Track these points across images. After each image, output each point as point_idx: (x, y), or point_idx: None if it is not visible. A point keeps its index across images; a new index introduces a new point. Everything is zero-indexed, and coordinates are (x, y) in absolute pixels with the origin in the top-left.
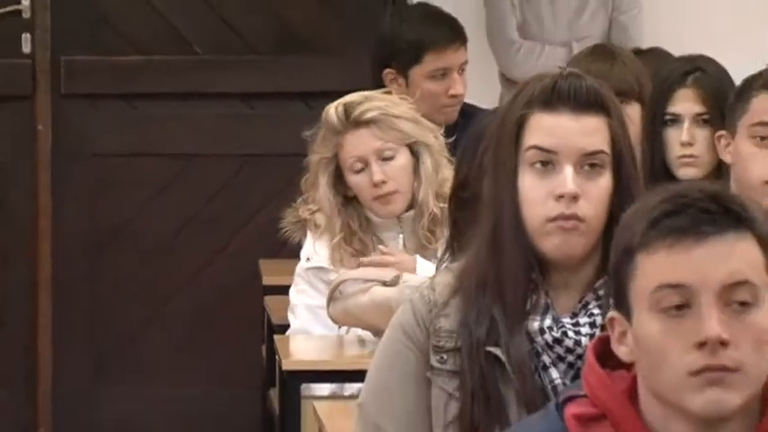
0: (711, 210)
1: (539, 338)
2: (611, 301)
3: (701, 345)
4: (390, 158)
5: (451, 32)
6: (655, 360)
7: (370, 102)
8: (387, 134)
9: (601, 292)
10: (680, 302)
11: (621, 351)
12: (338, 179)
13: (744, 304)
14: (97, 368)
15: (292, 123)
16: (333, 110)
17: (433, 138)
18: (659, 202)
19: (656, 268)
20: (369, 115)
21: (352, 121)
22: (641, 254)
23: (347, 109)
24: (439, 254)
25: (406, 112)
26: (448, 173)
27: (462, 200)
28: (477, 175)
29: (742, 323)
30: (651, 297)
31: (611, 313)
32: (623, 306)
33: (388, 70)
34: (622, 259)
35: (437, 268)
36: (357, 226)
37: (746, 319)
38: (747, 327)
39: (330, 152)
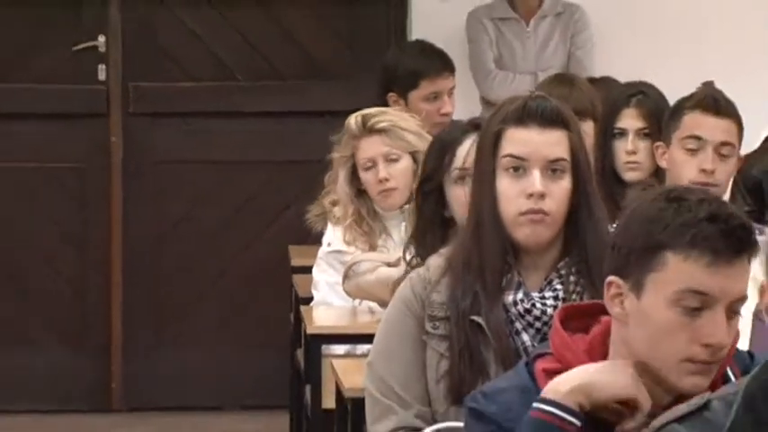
0: (741, 237)
1: (512, 309)
2: (611, 266)
3: (708, 345)
4: (395, 161)
5: (442, 63)
6: (660, 339)
7: (383, 115)
8: (394, 142)
9: (563, 272)
10: (698, 306)
11: (615, 310)
12: (354, 175)
13: (736, 314)
14: (158, 333)
15: (313, 136)
16: (353, 119)
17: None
18: (699, 220)
19: (688, 275)
20: (381, 125)
21: (368, 129)
22: (676, 256)
23: (364, 119)
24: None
25: (412, 126)
26: None
27: (426, 192)
28: (438, 172)
29: (733, 330)
30: (675, 294)
31: (611, 277)
32: (631, 278)
33: (390, 94)
34: (648, 248)
35: (406, 243)
36: (366, 213)
37: (734, 326)
38: (733, 332)
39: (348, 152)
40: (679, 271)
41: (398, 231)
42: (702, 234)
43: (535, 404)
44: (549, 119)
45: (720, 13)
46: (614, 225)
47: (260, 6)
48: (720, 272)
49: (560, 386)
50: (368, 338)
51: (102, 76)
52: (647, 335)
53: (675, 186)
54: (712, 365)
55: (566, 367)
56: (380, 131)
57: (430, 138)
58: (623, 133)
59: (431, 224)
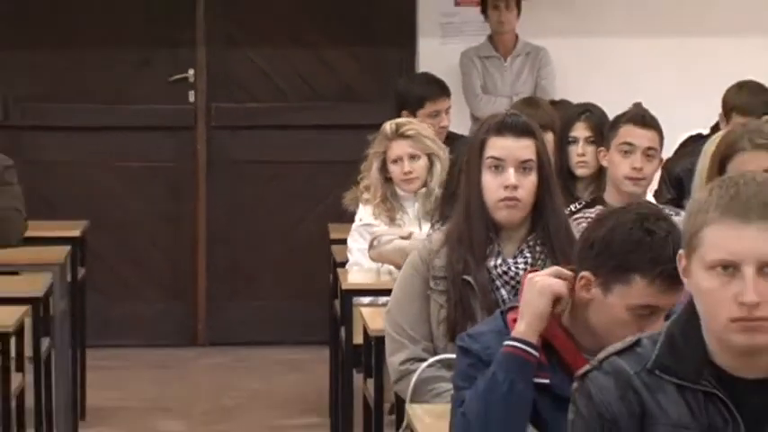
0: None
1: (493, 271)
2: (586, 262)
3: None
4: (416, 159)
5: (441, 89)
6: (612, 329)
7: (410, 125)
8: (416, 144)
9: (531, 244)
10: (647, 314)
11: (581, 294)
12: (383, 166)
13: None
14: (232, 286)
15: (345, 144)
16: (389, 125)
17: (442, 153)
18: (665, 258)
19: (648, 294)
20: (408, 132)
21: (398, 134)
22: (642, 281)
23: (397, 126)
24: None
25: (430, 134)
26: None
27: (448, 189)
28: (455, 177)
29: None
30: (634, 305)
31: (585, 273)
32: (601, 278)
33: (404, 112)
34: (623, 267)
35: (432, 219)
36: (389, 195)
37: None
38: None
39: (382, 149)
40: (642, 290)
41: (412, 210)
42: (666, 271)
43: (506, 342)
44: (521, 130)
45: (645, 55)
46: (568, 209)
47: (307, 47)
48: (668, 293)
49: (520, 327)
50: (387, 292)
51: (191, 98)
52: (603, 322)
53: (648, 211)
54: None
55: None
56: (407, 137)
57: (442, 145)
58: (575, 141)
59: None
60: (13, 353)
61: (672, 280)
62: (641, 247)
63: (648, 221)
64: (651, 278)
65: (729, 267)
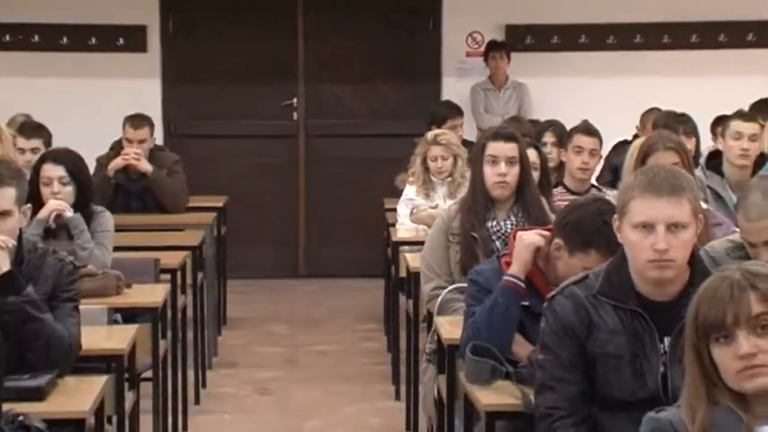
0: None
1: (491, 230)
2: (560, 232)
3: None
4: (446, 159)
5: (457, 111)
6: (567, 275)
7: (444, 135)
8: (447, 149)
9: (515, 211)
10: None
11: (554, 253)
12: (424, 161)
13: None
14: (321, 236)
15: (394, 146)
16: (429, 135)
17: (463, 153)
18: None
19: (596, 263)
20: (441, 140)
21: (435, 141)
22: (597, 254)
23: (435, 135)
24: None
25: (456, 141)
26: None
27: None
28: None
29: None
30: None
31: (558, 240)
32: (568, 246)
33: (432, 126)
34: (585, 243)
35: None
36: (427, 180)
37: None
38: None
39: (423, 151)
40: (595, 259)
41: (441, 191)
42: (612, 247)
43: (504, 277)
44: (509, 137)
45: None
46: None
47: (368, 83)
48: (607, 258)
49: (513, 268)
50: (421, 243)
51: (295, 117)
52: (564, 271)
53: (606, 207)
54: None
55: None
56: (441, 144)
57: (464, 148)
58: (545, 144)
59: None
60: (179, 282)
61: (612, 252)
62: (600, 232)
63: (606, 215)
64: (603, 252)
65: (647, 226)
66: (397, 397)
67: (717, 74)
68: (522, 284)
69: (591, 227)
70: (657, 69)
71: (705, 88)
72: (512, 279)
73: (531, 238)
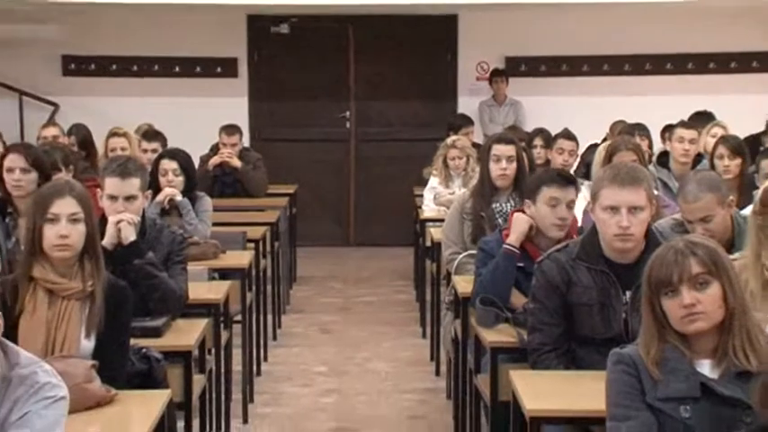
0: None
1: (495, 210)
2: (528, 194)
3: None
4: (461, 158)
5: (469, 121)
6: (539, 222)
7: (460, 140)
8: (461, 151)
9: (513, 195)
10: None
11: (528, 210)
12: (444, 159)
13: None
14: (366, 212)
15: (422, 147)
16: (449, 140)
17: (474, 154)
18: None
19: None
20: (458, 144)
21: (453, 146)
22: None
23: (453, 141)
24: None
25: (469, 145)
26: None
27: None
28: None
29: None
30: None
31: (527, 201)
32: (532, 200)
33: (450, 133)
34: (537, 188)
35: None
36: (447, 174)
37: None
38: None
39: (444, 152)
40: (547, 192)
41: (458, 182)
42: (556, 180)
43: (504, 245)
44: (508, 141)
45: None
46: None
47: (403, 100)
48: (562, 190)
49: (511, 239)
50: (442, 221)
51: (348, 126)
52: (540, 218)
53: (555, 171)
54: (565, 227)
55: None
56: (458, 147)
57: (474, 149)
58: (535, 147)
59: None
60: (261, 249)
61: (560, 184)
62: (543, 177)
63: (552, 173)
64: (551, 186)
65: (614, 209)
66: (424, 336)
67: (664, 94)
68: (518, 251)
69: (537, 179)
70: (621, 91)
71: (656, 105)
72: (510, 247)
73: (524, 217)
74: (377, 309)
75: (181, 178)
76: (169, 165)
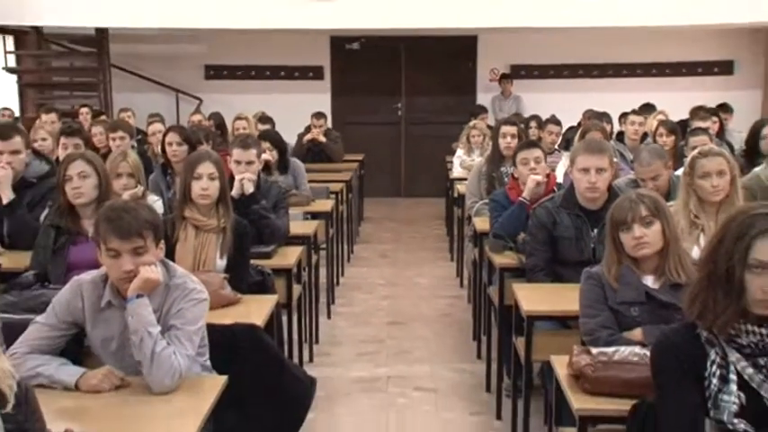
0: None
1: (503, 172)
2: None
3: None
4: (479, 136)
5: (484, 110)
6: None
7: (478, 123)
8: (480, 131)
9: (515, 163)
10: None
11: (520, 174)
12: (467, 137)
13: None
14: (412, 177)
15: (449, 129)
16: (470, 123)
17: (489, 134)
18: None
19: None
20: (477, 127)
21: (474, 127)
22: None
23: (474, 124)
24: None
25: (484, 126)
26: None
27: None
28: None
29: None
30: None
31: (514, 169)
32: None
33: (472, 119)
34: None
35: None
36: (469, 147)
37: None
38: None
39: (467, 132)
40: (525, 157)
41: (476, 152)
42: (524, 145)
43: (519, 198)
44: (512, 123)
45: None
46: None
47: (434, 95)
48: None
49: (525, 194)
50: (466, 179)
51: (399, 114)
52: (519, 177)
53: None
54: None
55: (520, 194)
56: (477, 128)
57: (488, 130)
58: (530, 128)
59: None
60: (339, 199)
61: (525, 147)
62: (518, 144)
63: (521, 142)
64: (518, 150)
65: (586, 170)
66: (452, 259)
67: (622, 91)
68: (529, 202)
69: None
70: (591, 89)
71: (616, 99)
72: (523, 200)
73: (534, 178)
74: (419, 240)
75: (275, 152)
76: (264, 144)
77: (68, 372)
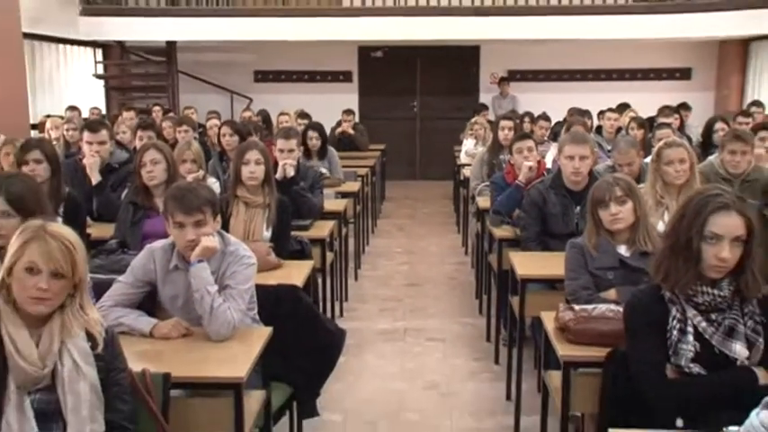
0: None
1: (502, 159)
2: None
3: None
4: (481, 129)
5: (485, 107)
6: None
7: (480, 119)
8: (481, 125)
9: (512, 152)
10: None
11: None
12: (471, 129)
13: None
14: (427, 159)
15: (457, 124)
16: (473, 119)
17: (489, 128)
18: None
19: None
20: (479, 122)
21: (476, 122)
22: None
23: (476, 120)
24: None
25: (485, 121)
26: None
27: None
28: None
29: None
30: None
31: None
32: None
33: (475, 115)
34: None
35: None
36: (473, 136)
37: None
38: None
39: (470, 125)
40: (519, 149)
41: (480, 143)
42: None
43: (515, 182)
44: (509, 118)
45: (550, 101)
46: None
47: (444, 96)
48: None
49: (520, 178)
50: (470, 165)
51: (415, 110)
52: (519, 167)
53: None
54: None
55: (515, 177)
56: (479, 123)
57: (489, 125)
58: (525, 122)
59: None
60: (365, 181)
61: (520, 139)
62: (514, 137)
63: (517, 135)
64: (515, 142)
65: (571, 157)
66: (458, 232)
67: (600, 92)
68: (523, 185)
69: (513, 140)
70: (575, 90)
71: (596, 98)
72: (519, 182)
73: (529, 164)
74: (431, 216)
75: (319, 142)
76: (312, 133)
77: (144, 322)
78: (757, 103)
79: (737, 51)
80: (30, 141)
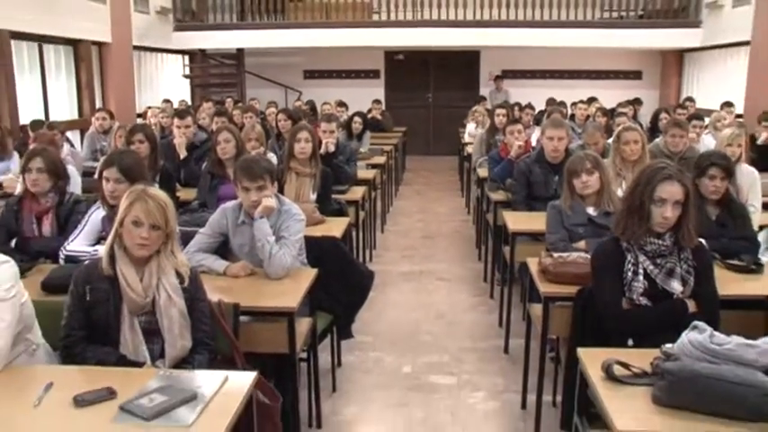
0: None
1: (497, 139)
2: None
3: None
4: (482, 116)
5: (484, 99)
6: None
7: (480, 107)
8: (481, 113)
9: (505, 133)
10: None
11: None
12: (473, 116)
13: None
14: (438, 142)
15: (458, 111)
16: (474, 107)
17: (487, 114)
18: None
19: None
20: (479, 110)
21: (476, 110)
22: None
23: (476, 109)
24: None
25: (483, 110)
26: None
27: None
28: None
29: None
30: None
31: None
32: None
33: (475, 104)
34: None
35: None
36: (475, 122)
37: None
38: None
39: (472, 113)
40: (512, 132)
41: (480, 126)
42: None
43: (507, 157)
44: (503, 107)
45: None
46: None
47: (450, 90)
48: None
49: (511, 154)
50: (472, 143)
51: (429, 101)
52: (510, 144)
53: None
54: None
55: (508, 153)
56: (479, 111)
57: (487, 112)
58: (513, 111)
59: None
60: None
61: (511, 124)
62: (506, 122)
63: (509, 120)
64: (507, 126)
65: (551, 138)
66: (462, 195)
67: (573, 88)
68: (513, 159)
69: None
70: (554, 86)
71: (570, 93)
72: (510, 157)
73: (518, 143)
74: (441, 183)
75: (361, 126)
76: (358, 119)
77: (219, 263)
78: (690, 99)
79: (675, 59)
80: (135, 126)
